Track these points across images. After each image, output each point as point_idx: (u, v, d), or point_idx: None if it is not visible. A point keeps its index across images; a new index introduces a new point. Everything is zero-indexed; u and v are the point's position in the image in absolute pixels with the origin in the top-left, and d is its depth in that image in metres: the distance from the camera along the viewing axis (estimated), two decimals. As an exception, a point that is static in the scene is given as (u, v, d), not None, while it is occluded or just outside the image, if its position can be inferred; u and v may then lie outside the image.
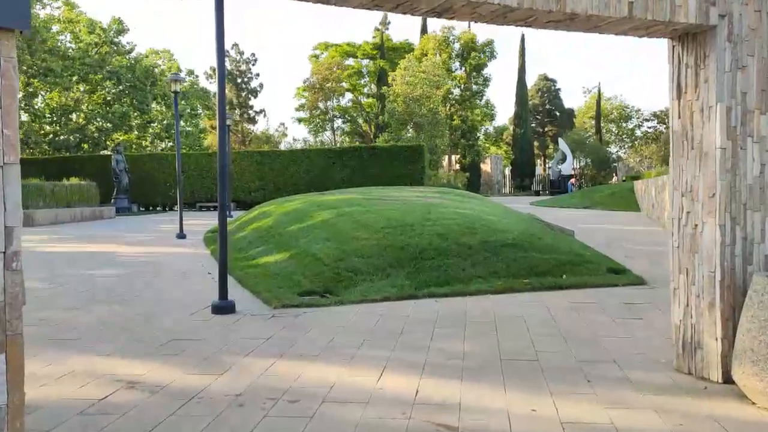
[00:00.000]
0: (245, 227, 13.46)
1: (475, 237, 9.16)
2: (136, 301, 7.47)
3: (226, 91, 39.09)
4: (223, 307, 6.86)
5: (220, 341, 5.58)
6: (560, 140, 48.34)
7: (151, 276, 9.35)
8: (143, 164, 33.82)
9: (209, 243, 13.83)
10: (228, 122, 26.93)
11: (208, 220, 23.18)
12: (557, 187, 45.64)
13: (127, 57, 44.24)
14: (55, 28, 42.27)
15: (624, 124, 64.54)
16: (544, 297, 7.48)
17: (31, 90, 40.07)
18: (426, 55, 43.87)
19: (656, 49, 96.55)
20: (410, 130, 39.65)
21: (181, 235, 15.23)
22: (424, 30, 49.91)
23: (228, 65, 56.22)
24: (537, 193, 46.56)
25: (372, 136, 52.55)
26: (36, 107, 41.95)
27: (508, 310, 6.82)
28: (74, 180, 26.52)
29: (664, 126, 62.02)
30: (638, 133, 65.41)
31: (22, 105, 40.83)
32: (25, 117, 41.42)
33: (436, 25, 68.25)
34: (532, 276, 8.33)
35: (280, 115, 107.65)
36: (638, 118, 64.98)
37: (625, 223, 18.90)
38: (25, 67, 35.98)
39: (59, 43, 41.63)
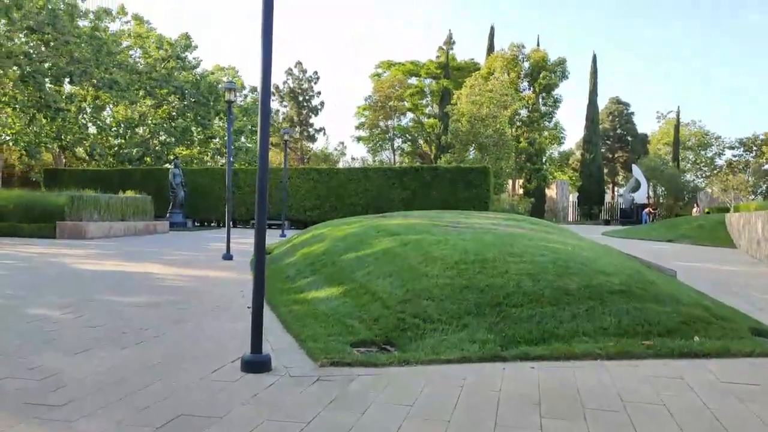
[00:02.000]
0: (295, 252, 12.00)
1: (573, 279, 7.34)
2: (155, 344, 6.03)
3: (287, 108, 38.60)
4: (256, 363, 5.30)
5: (243, 423, 4.00)
6: (634, 167, 45.48)
7: (182, 308, 7.93)
8: (200, 179, 33.24)
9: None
10: (286, 138, 25.89)
11: (261, 240, 21.98)
12: (629, 216, 42.79)
13: (192, 72, 44.35)
14: (125, 43, 42.77)
15: (703, 152, 60.80)
16: (678, 369, 5.60)
17: (99, 103, 40.44)
18: (493, 74, 42.13)
19: (738, 75, 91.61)
20: (473, 151, 37.85)
21: (228, 256, 13.95)
22: (491, 49, 48.26)
23: (290, 83, 56.07)
24: (606, 222, 43.79)
25: (433, 157, 51.01)
26: (104, 120, 42.36)
27: (637, 388, 5.00)
28: (130, 193, 25.96)
29: (753, 154, 58.08)
30: (718, 161, 61.53)
31: (90, 117, 41.29)
32: (92, 129, 41.87)
33: (504, 43, 66.56)
34: (654, 336, 6.44)
35: (340, 134, 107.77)
36: (718, 145, 61.16)
37: (727, 262, 16.54)
38: (94, 80, 36.27)
39: (130, 59, 42.06)
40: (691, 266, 14.23)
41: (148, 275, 11.08)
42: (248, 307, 8.01)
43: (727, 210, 32.77)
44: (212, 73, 45.29)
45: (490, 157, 35.39)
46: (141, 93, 41.54)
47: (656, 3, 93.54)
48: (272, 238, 22.12)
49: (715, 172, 61.10)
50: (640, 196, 43.22)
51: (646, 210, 40.99)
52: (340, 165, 59.58)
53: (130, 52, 42.72)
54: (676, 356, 6.02)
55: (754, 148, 57.64)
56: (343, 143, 72.37)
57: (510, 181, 43.34)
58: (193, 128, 43.43)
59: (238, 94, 49.19)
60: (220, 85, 43.18)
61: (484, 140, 35.51)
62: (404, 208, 28.53)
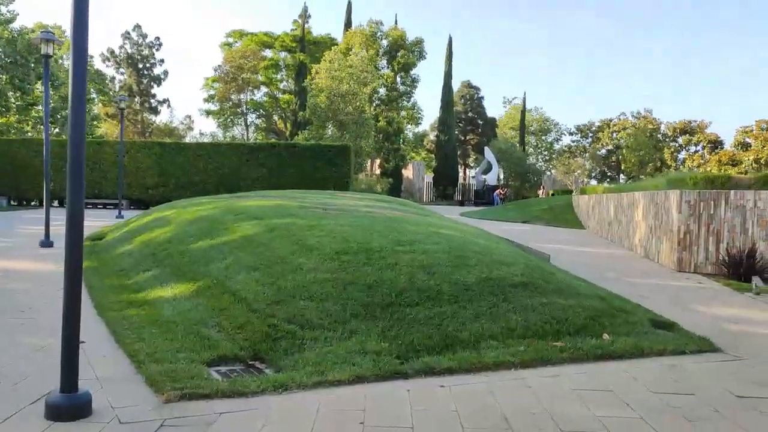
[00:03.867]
0: (133, 238, 10.02)
1: (471, 272, 6.38)
2: None
3: (125, 76, 34.50)
4: (69, 407, 3.68)
5: None
6: (486, 149, 46.86)
7: (-31, 318, 5.90)
8: (17, 150, 28.67)
9: (85, 255, 10.27)
10: (123, 106, 22.89)
11: (91, 221, 19.14)
12: (481, 197, 44.04)
13: (7, 28, 38.25)
14: None
15: (544, 137, 64.55)
16: (601, 378, 4.81)
17: None
18: (351, 50, 41.00)
19: (577, 63, 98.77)
20: (332, 128, 36.58)
21: (47, 243, 11.53)
22: (348, 24, 47.04)
23: (128, 48, 50.90)
24: (461, 203, 44.75)
25: (288, 134, 49.09)
26: None
27: (568, 408, 4.10)
28: None
29: (588, 140, 62.62)
30: (556, 146, 65.69)
31: None
32: None
33: (361, 19, 65.70)
34: (563, 335, 5.66)
35: (187, 107, 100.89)
36: (557, 131, 65.25)
37: (584, 243, 16.85)
38: None
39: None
40: (557, 248, 14.14)
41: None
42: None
43: (571, 192, 34.59)
44: (33, 32, 39.46)
45: (350, 136, 34.34)
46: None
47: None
48: (107, 220, 19.36)
49: (554, 156, 65.24)
50: (492, 178, 44.61)
51: (497, 192, 42.41)
52: (187, 139, 55.60)
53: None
54: (592, 359, 5.27)
55: (590, 134, 62.33)
56: (190, 117, 68.03)
57: (369, 161, 42.70)
58: (10, 93, 37.60)
59: (65, 57, 43.63)
60: (41, 45, 37.71)
61: (344, 117, 34.35)
62: (260, 187, 26.63)
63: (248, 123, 55.19)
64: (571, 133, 64.61)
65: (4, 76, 37.03)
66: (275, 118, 54.57)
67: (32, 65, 37.28)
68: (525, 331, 5.57)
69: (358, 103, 35.19)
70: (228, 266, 6.80)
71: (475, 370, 4.82)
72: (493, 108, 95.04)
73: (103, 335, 5.41)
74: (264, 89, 54.26)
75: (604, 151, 61.59)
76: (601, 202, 19.87)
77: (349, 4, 48.56)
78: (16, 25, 39.26)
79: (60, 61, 43.07)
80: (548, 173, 53.85)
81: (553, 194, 38.69)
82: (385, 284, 5.97)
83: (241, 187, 26.11)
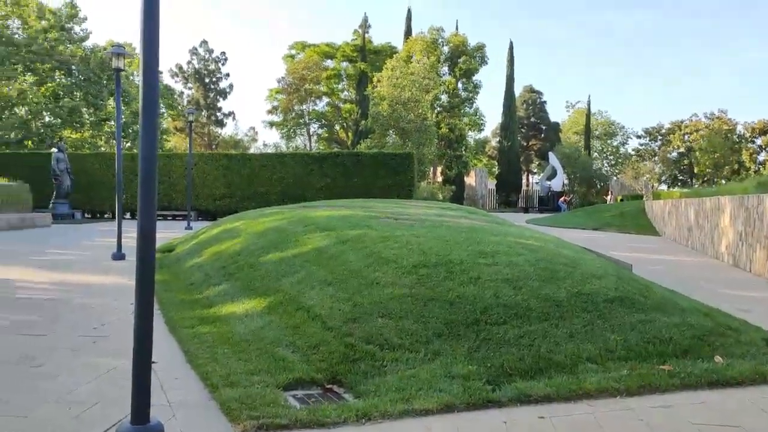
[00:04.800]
0: (203, 250, 9.94)
1: (561, 286, 5.87)
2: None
3: (193, 90, 35.42)
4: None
5: None
6: (551, 155, 45.64)
7: (39, 334, 5.80)
8: (91, 164, 29.70)
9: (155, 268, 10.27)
10: (191, 118, 23.30)
11: (161, 233, 19.44)
12: (546, 203, 42.89)
13: (80, 46, 39.88)
14: (1, 12, 37.89)
15: (609, 141, 62.49)
16: (722, 407, 4.25)
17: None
18: (412, 58, 40.79)
19: (643, 64, 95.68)
20: (394, 136, 36.35)
21: (119, 255, 11.61)
22: (408, 32, 46.88)
23: (195, 64, 52.36)
24: (525, 210, 43.73)
25: (350, 143, 49.24)
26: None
27: (699, 451, 3.56)
28: (2, 180, 22.45)
29: (657, 143, 60.15)
30: (623, 150, 63.48)
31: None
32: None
33: (421, 27, 65.55)
34: (669, 356, 5.08)
35: (251, 119, 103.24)
36: (623, 135, 63.06)
37: (664, 251, 15.91)
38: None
39: (6, 30, 37.25)
40: (635, 257, 13.32)
41: (7, 284, 8.71)
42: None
43: (641, 197, 33.13)
44: (104, 49, 41.04)
45: (412, 143, 34.01)
46: (19, 68, 36.77)
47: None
48: (177, 231, 19.65)
49: (620, 160, 62.99)
50: (557, 184, 43.40)
51: (563, 198, 41.17)
52: (252, 151, 56.71)
53: (7, 22, 37.80)
54: (705, 385, 4.67)
55: (659, 137, 59.83)
56: (254, 128, 69.22)
57: (431, 168, 42.26)
58: (84, 109, 39.09)
59: (135, 73, 45.16)
60: (112, 61, 39.11)
61: (406, 125, 34.05)
62: (323, 197, 26.63)
63: (311, 133, 55.75)
64: (638, 136, 62.29)
65: (78, 93, 38.58)
66: (337, 127, 54.90)
67: (104, 82, 38.73)
68: (626, 352, 5.03)
69: (420, 111, 34.85)
70: (300, 281, 6.52)
71: (575, 398, 4.33)
72: (556, 112, 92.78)
73: (175, 354, 5.19)
74: (326, 99, 54.72)
75: (675, 154, 59.00)
76: (679, 208, 18.78)
77: (409, 12, 48.51)
78: (88, 43, 40.97)
79: (131, 77, 44.64)
80: (615, 178, 51.93)
81: (621, 200, 37.19)
82: (468, 300, 5.54)
83: (305, 197, 26.17)
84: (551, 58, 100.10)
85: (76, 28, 40.26)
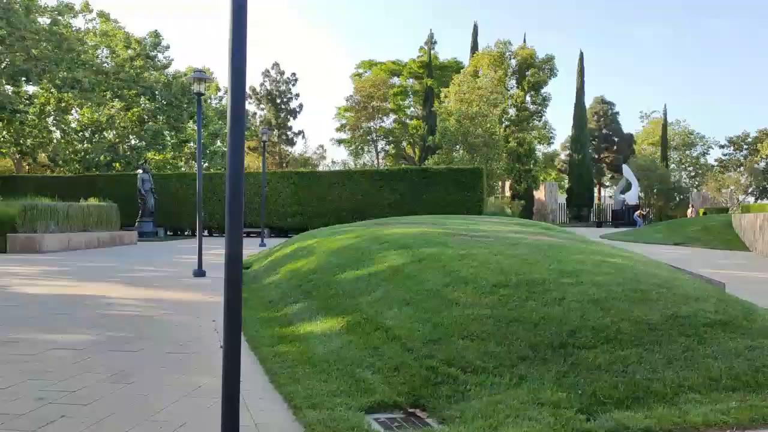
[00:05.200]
0: (279, 268, 10.06)
1: (653, 308, 5.55)
2: (65, 429, 4.05)
3: (265, 111, 36.55)
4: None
5: None
6: (624, 167, 44.14)
7: (130, 351, 5.96)
8: (172, 184, 30.98)
9: (232, 286, 10.47)
10: (265, 138, 23.89)
11: (238, 250, 19.88)
12: (621, 218, 41.41)
13: (163, 73, 41.93)
14: (91, 42, 40.26)
15: (688, 152, 59.87)
16: None
17: (63, 105, 37.95)
18: (479, 72, 40.53)
19: (724, 72, 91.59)
20: (461, 151, 36.10)
21: (200, 272, 11.95)
22: (475, 47, 46.69)
23: (267, 85, 53.91)
24: (598, 224, 42.37)
25: (417, 159, 49.31)
26: (68, 124, 39.84)
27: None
28: (93, 200, 23.68)
29: (743, 153, 57.14)
30: (703, 161, 60.66)
31: (54, 121, 38.78)
32: (57, 133, 39.37)
33: (489, 40, 65.10)
34: (781, 387, 4.67)
35: (319, 137, 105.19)
36: (703, 145, 60.28)
37: (757, 269, 14.97)
38: (57, 81, 33.89)
39: (96, 59, 39.56)
40: (727, 275, 12.56)
41: (99, 300, 9.07)
42: (221, 347, 6.11)
43: (726, 210, 31.50)
44: (185, 75, 42.94)
45: (481, 158, 33.69)
46: (108, 95, 38.98)
47: (638, 3, 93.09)
48: (251, 248, 20.09)
49: (700, 171, 60.18)
50: (631, 197, 41.87)
51: (637, 212, 39.67)
52: (321, 168, 57.64)
53: (97, 52, 40.15)
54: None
55: (744, 146, 56.73)
56: (322, 146, 70.46)
57: (500, 183, 41.70)
58: (166, 132, 40.98)
59: (213, 96, 46.97)
60: (192, 85, 40.80)
61: (474, 140, 33.77)
62: (392, 213, 26.66)
63: (378, 150, 56.20)
64: (721, 146, 59.32)
65: (161, 117, 40.47)
66: (404, 143, 55.13)
67: (185, 106, 40.44)
68: (732, 381, 4.66)
69: (488, 125, 34.52)
70: (377, 300, 6.46)
71: None
72: (629, 123, 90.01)
73: (258, 374, 5.21)
74: (393, 116, 55.12)
75: (763, 164, 55.85)
76: (774, 222, 17.69)
77: (475, 27, 48.25)
78: (170, 70, 42.99)
79: (208, 100, 46.44)
80: (695, 190, 49.57)
81: (704, 213, 35.42)
82: (553, 322, 5.32)
83: (373, 214, 26.28)
84: (624, 67, 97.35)
85: (160, 56, 42.41)
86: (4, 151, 35.19)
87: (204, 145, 41.55)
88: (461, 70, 41.16)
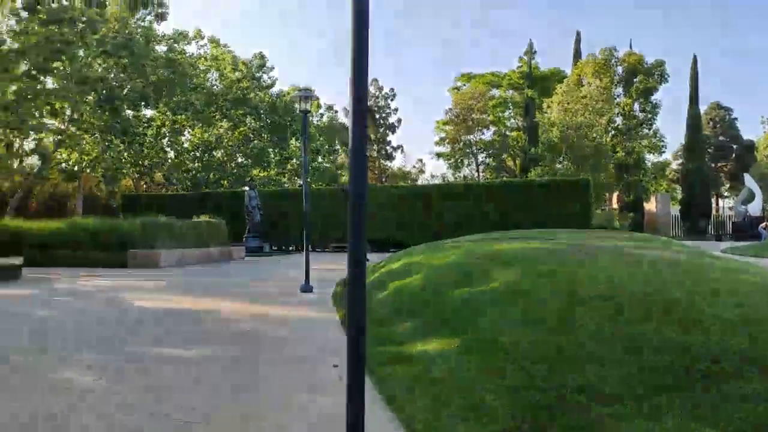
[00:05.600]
0: (386, 284, 9.99)
1: (813, 334, 4.92)
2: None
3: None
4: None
5: None
6: (746, 176, 41.00)
7: (244, 367, 6.02)
8: (276, 201, 32.01)
9: (340, 302, 10.53)
10: (366, 154, 24.09)
11: (342, 265, 20.17)
12: (743, 230, 38.36)
13: (268, 93, 43.78)
14: (202, 66, 42.72)
15: (818, 157, 54.81)
16: None
17: (176, 127, 40.41)
18: (583, 81, 39.19)
19: None
20: (566, 162, 34.94)
21: (307, 288, 12.12)
22: (577, 55, 45.25)
23: (368, 101, 54.89)
24: (717, 238, 39.50)
25: (518, 172, 48.29)
26: (181, 144, 42.35)
27: None
28: (204, 217, 24.88)
29: None
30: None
31: (168, 142, 41.29)
32: (171, 153, 41.92)
33: (592, 47, 63.00)
34: None
35: (418, 151, 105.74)
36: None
37: None
38: (172, 104, 36.17)
39: (207, 82, 41.96)
40: None
41: (213, 314, 9.37)
42: (334, 366, 6.06)
43: None
44: (288, 94, 44.57)
45: (587, 169, 32.43)
46: (217, 115, 41.19)
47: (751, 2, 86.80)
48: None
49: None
50: (755, 208, 38.75)
51: (763, 224, 36.63)
52: (419, 182, 57.82)
53: (207, 75, 42.57)
54: None
55: None
56: (421, 160, 70.61)
57: (607, 195, 39.93)
58: (270, 149, 42.64)
59: (314, 114, 48.33)
60: (296, 104, 42.24)
61: (579, 151, 32.59)
62: (495, 227, 26.10)
63: (478, 163, 55.63)
64: None
65: (266, 136, 42.18)
66: (504, 156, 54.23)
67: (288, 124, 41.93)
68: None
69: (594, 135, 33.20)
70: (493, 319, 6.19)
71: None
72: (750, 129, 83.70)
73: (375, 394, 5.09)
74: (492, 128, 54.43)
75: None
76: None
77: (578, 35, 46.81)
78: (275, 89, 44.82)
79: (311, 118, 47.87)
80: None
81: None
82: (691, 348, 4.84)
83: (475, 228, 25.84)
84: (742, 70, 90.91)
85: (264, 77, 44.36)
86: (125, 171, 37.86)
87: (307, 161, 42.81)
88: (564, 80, 39.96)
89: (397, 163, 63.56)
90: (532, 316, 5.91)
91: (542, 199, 27.43)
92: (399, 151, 56.76)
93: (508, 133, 54.21)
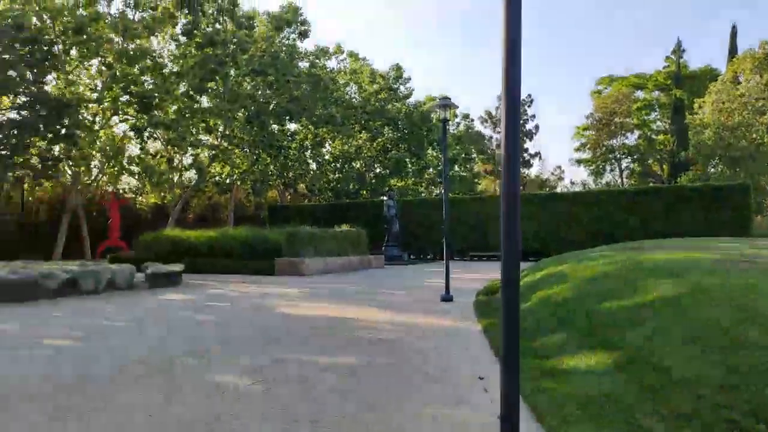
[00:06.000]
0: (529, 294, 9.71)
1: None
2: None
3: (500, 134, 36.27)
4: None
5: None
6: None
7: (388, 377, 6.07)
8: (414, 210, 32.43)
9: (481, 311, 10.39)
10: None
11: (482, 274, 20.00)
12: None
13: (405, 103, 44.68)
14: (342, 81, 44.46)
15: None
16: None
17: (318, 139, 42.28)
18: (740, 79, 35.85)
19: None
20: (720, 166, 32.09)
21: (447, 297, 12.11)
22: (733, 51, 41.53)
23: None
24: None
25: (666, 177, 45.15)
26: (323, 156, 44.23)
27: None
28: (345, 227, 25.74)
29: None
30: None
31: (310, 154, 43.28)
32: (313, 165, 43.90)
33: (750, 41, 57.64)
34: None
35: (556, 158, 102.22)
36: None
37: None
38: (314, 118, 37.95)
39: (346, 95, 43.63)
40: None
41: (357, 323, 9.60)
42: (480, 378, 5.95)
43: None
44: (424, 104, 45.11)
45: (745, 172, 29.57)
46: (356, 127, 42.65)
47: None
48: (494, 273, 20.00)
49: None
50: None
51: None
52: (558, 190, 55.93)
53: (346, 89, 44.27)
54: None
55: None
56: (560, 167, 68.22)
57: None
58: (407, 159, 43.40)
59: (450, 122, 48.48)
60: (432, 115, 42.73)
61: (736, 153, 29.80)
62: (641, 236, 24.60)
63: (622, 168, 52.76)
64: None
65: (403, 146, 43.03)
66: (650, 160, 50.96)
67: (424, 133, 42.48)
68: None
69: (753, 136, 30.21)
70: (649, 335, 5.77)
71: None
72: None
73: (523, 411, 4.92)
74: (637, 132, 51.42)
75: None
76: None
77: (734, 29, 43.06)
78: (411, 100, 45.67)
79: (448, 126, 48.14)
80: None
81: None
82: None
83: (620, 236, 24.53)
84: None
85: (401, 88, 45.39)
86: (271, 183, 40.20)
87: (438, 170, 42.99)
88: (717, 78, 36.80)
89: (534, 170, 61.97)
90: (694, 333, 5.44)
91: (693, 205, 25.43)
92: (536, 158, 55.30)
93: (653, 136, 50.91)
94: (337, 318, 10.09)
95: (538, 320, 7.85)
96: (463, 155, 46.84)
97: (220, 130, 34.80)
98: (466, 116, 51.40)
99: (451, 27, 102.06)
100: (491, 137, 53.74)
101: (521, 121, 38.70)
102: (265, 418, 4.74)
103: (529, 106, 53.50)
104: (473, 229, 30.02)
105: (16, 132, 20.78)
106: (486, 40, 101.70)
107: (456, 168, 45.81)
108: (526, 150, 53.72)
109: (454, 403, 5.20)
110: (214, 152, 34.22)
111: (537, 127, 54.01)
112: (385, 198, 31.68)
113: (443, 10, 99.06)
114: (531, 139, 53.73)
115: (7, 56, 20.17)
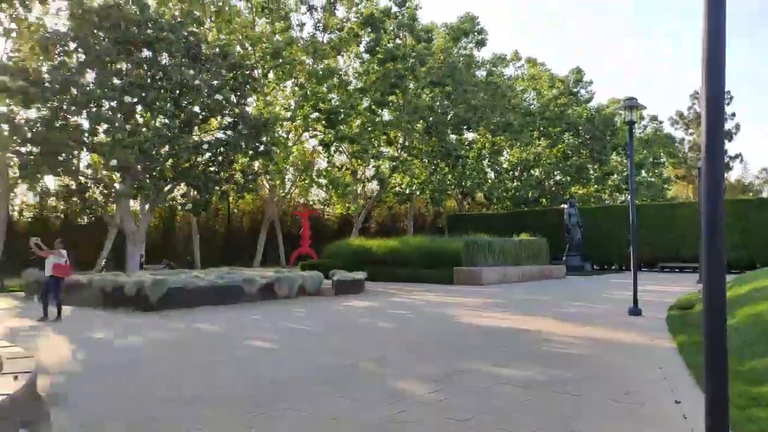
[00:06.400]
0: (732, 310, 8.72)
1: None
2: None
3: (694, 136, 33.44)
4: None
5: None
6: None
7: (571, 394, 5.75)
8: (597, 218, 30.71)
9: (674, 327, 9.55)
10: (700, 166, 21.66)
11: (673, 287, 18.39)
12: None
13: (586, 107, 42.69)
14: (520, 87, 43.67)
15: None
16: None
17: (495, 148, 41.89)
18: None
19: None
20: None
21: (635, 311, 11.32)
22: None
23: (697, 108, 49.38)
24: None
25: None
26: (500, 164, 43.70)
27: None
28: (524, 236, 25.16)
29: None
30: None
31: (488, 163, 42.96)
32: (491, 174, 43.54)
33: None
34: None
35: (762, 160, 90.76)
36: None
37: None
38: (491, 126, 37.67)
39: (524, 102, 42.81)
40: None
41: (535, 335, 9.30)
42: (676, 402, 5.44)
43: None
44: (607, 107, 42.68)
45: None
46: (535, 134, 41.58)
47: None
48: (687, 285, 18.36)
49: None
50: None
51: None
52: (764, 195, 49.79)
53: (524, 95, 43.39)
54: None
55: None
56: (766, 170, 60.61)
57: None
58: (589, 165, 41.32)
59: (636, 125, 45.39)
60: (616, 118, 40.28)
61: None
62: None
63: None
64: None
65: (584, 152, 41.15)
66: None
67: (608, 138, 40.22)
68: None
69: None
70: None
71: None
72: None
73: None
74: None
75: None
76: None
77: None
78: (593, 103, 43.54)
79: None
80: None
81: None
82: None
83: None
84: None
85: (582, 91, 43.53)
86: (449, 192, 40.56)
87: (624, 177, 40.31)
88: None
89: (734, 173, 55.77)
90: None
91: None
92: (737, 160, 49.69)
93: None
94: (516, 329, 9.87)
95: (744, 339, 7.02)
96: (651, 159, 43.49)
97: (399, 141, 35.91)
98: (653, 118, 47.74)
99: (638, 25, 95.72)
100: (683, 139, 49.33)
101: (721, 120, 34.88)
102: (444, 428, 4.76)
103: (728, 104, 48.26)
104: (663, 237, 27.70)
105: (222, 150, 23.29)
106: (694, 34, 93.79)
107: (643, 173, 42.70)
108: (725, 152, 48.46)
109: (648, 425, 4.78)
110: (394, 163, 35.38)
111: (738, 126, 48.54)
112: (565, 206, 30.46)
113: (638, 11, 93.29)
114: (730, 140, 48.44)
115: (215, 82, 22.68)
